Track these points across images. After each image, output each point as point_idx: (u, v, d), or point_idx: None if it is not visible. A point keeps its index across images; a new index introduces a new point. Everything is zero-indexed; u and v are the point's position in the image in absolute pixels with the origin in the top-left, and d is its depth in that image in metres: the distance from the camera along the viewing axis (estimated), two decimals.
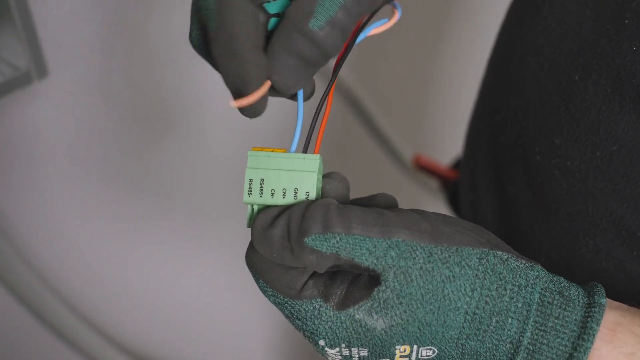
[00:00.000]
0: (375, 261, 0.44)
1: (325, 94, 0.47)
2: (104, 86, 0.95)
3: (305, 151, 0.47)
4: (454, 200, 0.89)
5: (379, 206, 0.47)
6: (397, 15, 0.48)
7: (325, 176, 0.48)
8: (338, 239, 0.43)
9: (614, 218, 0.55)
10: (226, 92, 1.02)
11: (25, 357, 1.05)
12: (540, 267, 0.46)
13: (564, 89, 0.56)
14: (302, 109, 0.46)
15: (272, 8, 0.46)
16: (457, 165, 0.94)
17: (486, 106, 0.69)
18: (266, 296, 0.47)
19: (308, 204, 0.45)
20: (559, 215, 0.58)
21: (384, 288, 0.44)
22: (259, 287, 0.47)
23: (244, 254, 0.48)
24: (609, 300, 0.47)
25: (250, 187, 0.46)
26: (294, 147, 0.46)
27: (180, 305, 1.19)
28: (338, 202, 0.46)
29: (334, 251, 0.44)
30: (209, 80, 0.99)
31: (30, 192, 0.95)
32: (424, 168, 0.97)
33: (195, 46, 0.47)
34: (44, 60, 0.83)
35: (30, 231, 0.97)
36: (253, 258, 0.46)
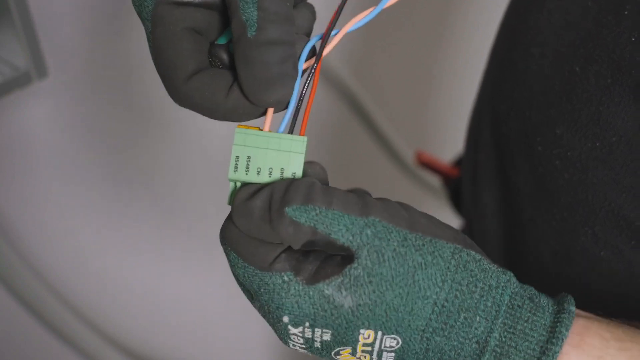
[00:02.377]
0: (350, 238, 0.44)
1: (311, 77, 0.47)
2: (103, 86, 0.95)
3: (291, 133, 0.47)
4: (455, 198, 0.89)
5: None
6: None
7: (307, 163, 0.48)
8: (318, 211, 0.44)
9: (613, 208, 0.55)
10: None
11: (25, 357, 1.06)
12: (511, 273, 0.47)
13: (567, 80, 0.57)
14: (297, 91, 0.46)
15: (222, 40, 0.47)
16: (459, 162, 0.94)
17: (489, 97, 0.69)
18: (235, 271, 0.46)
19: (292, 180, 0.45)
20: (560, 205, 0.59)
21: (356, 265, 0.44)
22: (230, 261, 0.46)
23: None
24: (578, 310, 0.47)
25: (236, 164, 0.46)
26: (282, 128, 0.46)
27: (181, 305, 1.19)
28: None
29: (312, 224, 0.44)
30: None
31: (30, 192, 0.96)
32: (426, 164, 0.97)
33: None
34: (44, 60, 0.83)
35: (30, 231, 0.97)
36: (229, 232, 0.46)
